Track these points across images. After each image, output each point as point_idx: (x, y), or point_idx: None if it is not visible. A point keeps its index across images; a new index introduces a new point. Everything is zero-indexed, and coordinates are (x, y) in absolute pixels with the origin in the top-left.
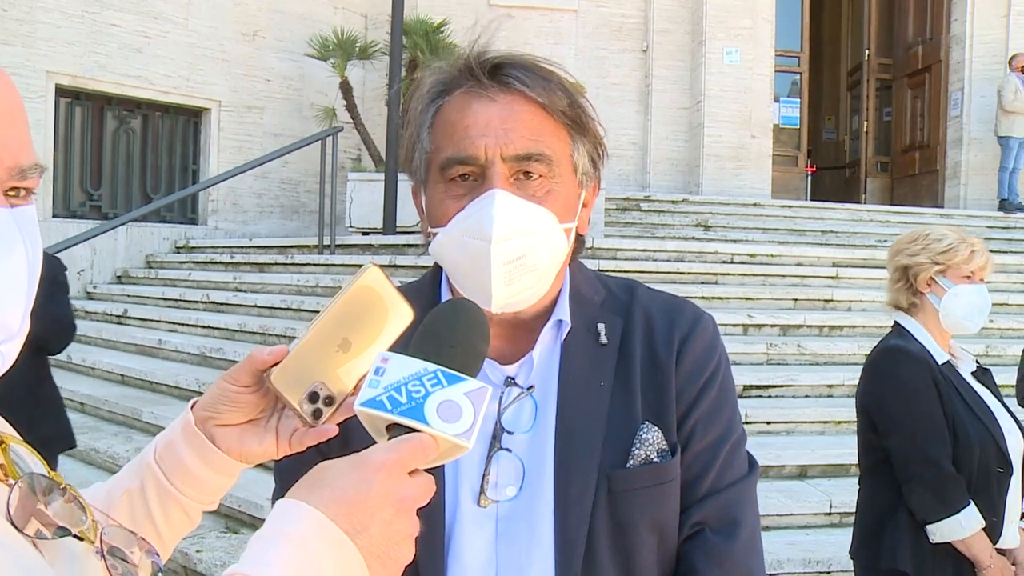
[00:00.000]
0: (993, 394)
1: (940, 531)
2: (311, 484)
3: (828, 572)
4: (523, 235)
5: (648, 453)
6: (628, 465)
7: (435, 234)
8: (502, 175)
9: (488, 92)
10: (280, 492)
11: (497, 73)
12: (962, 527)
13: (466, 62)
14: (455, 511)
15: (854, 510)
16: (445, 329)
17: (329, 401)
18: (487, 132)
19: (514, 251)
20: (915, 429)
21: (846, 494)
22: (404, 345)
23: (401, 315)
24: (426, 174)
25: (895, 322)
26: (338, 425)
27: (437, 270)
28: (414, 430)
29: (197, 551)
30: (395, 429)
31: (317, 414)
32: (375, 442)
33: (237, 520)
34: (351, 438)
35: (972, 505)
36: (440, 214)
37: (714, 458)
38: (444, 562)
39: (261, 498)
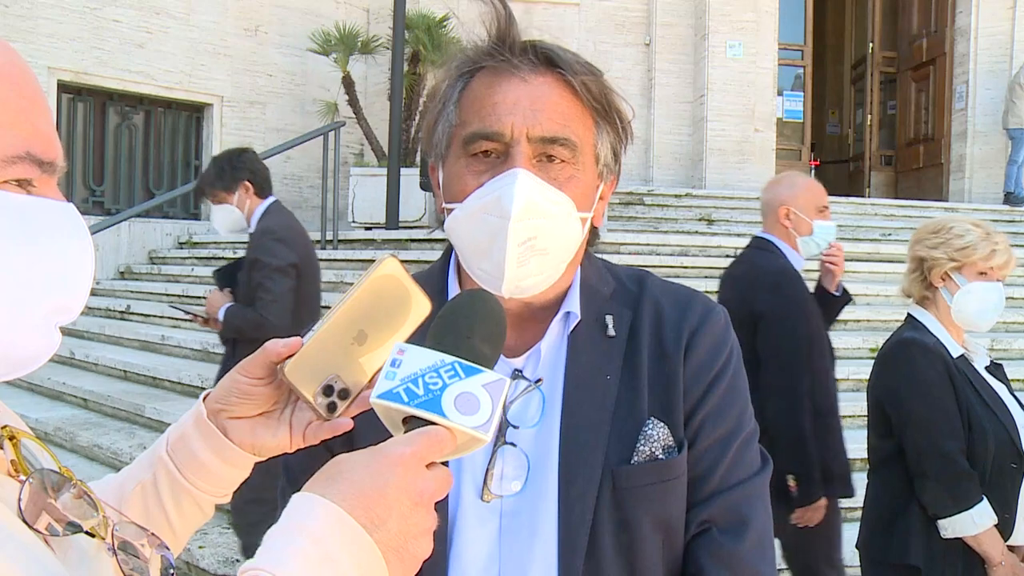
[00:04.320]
0: (1007, 389)
1: (952, 526)
2: (327, 477)
3: None
4: (539, 217)
5: (653, 449)
6: (633, 461)
7: (451, 210)
8: (526, 155)
9: (520, 72)
10: (286, 485)
11: (530, 53)
12: (974, 523)
13: (498, 41)
14: (457, 506)
15: (860, 504)
16: (463, 320)
17: (344, 394)
18: (515, 110)
19: (529, 231)
20: (929, 423)
21: None
22: (420, 337)
23: (419, 306)
24: (447, 148)
25: (908, 314)
26: (352, 419)
27: (446, 259)
28: (431, 422)
29: (200, 547)
30: (412, 422)
31: (332, 407)
32: (381, 439)
33: None
34: (356, 435)
35: (985, 501)
36: (458, 189)
37: (723, 455)
38: (446, 558)
39: None
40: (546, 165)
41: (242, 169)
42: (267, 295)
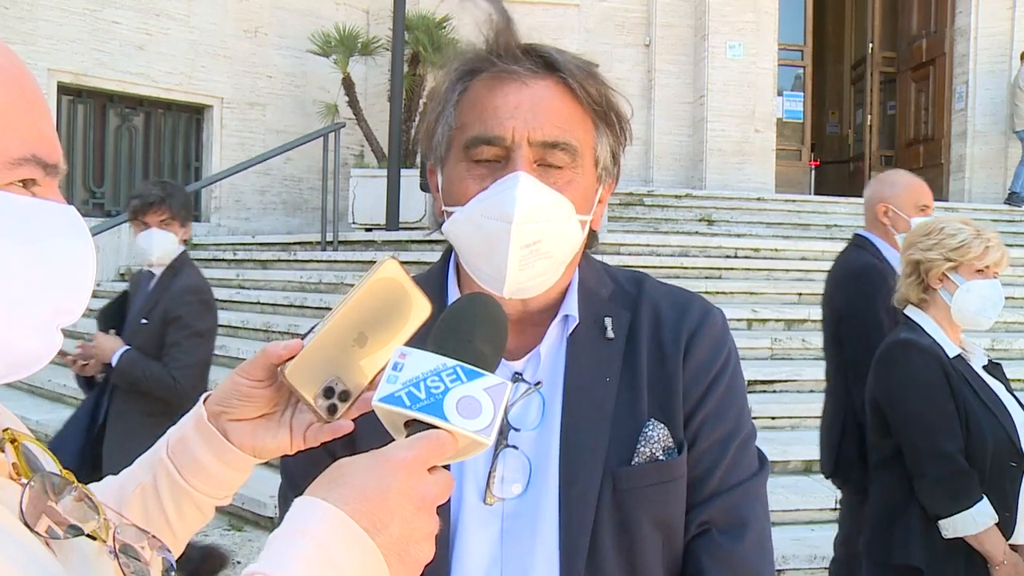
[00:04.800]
0: (1005, 388)
1: (953, 526)
2: (330, 481)
3: None
4: (542, 220)
5: (653, 451)
6: (633, 463)
7: (450, 213)
8: (527, 159)
9: (520, 76)
10: (287, 489)
11: (530, 56)
12: (975, 522)
13: (496, 45)
14: (459, 509)
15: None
16: (464, 324)
17: (345, 396)
18: (516, 114)
19: (532, 235)
20: (927, 423)
21: None
22: (421, 340)
23: (420, 308)
24: (447, 151)
25: (904, 315)
26: (353, 421)
27: (445, 260)
28: (433, 426)
29: None
30: (414, 425)
31: (332, 409)
32: (383, 442)
33: (241, 518)
34: (357, 437)
35: (985, 500)
36: (459, 193)
37: (722, 456)
38: (448, 561)
39: (265, 495)
40: (547, 170)
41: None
42: (186, 358)
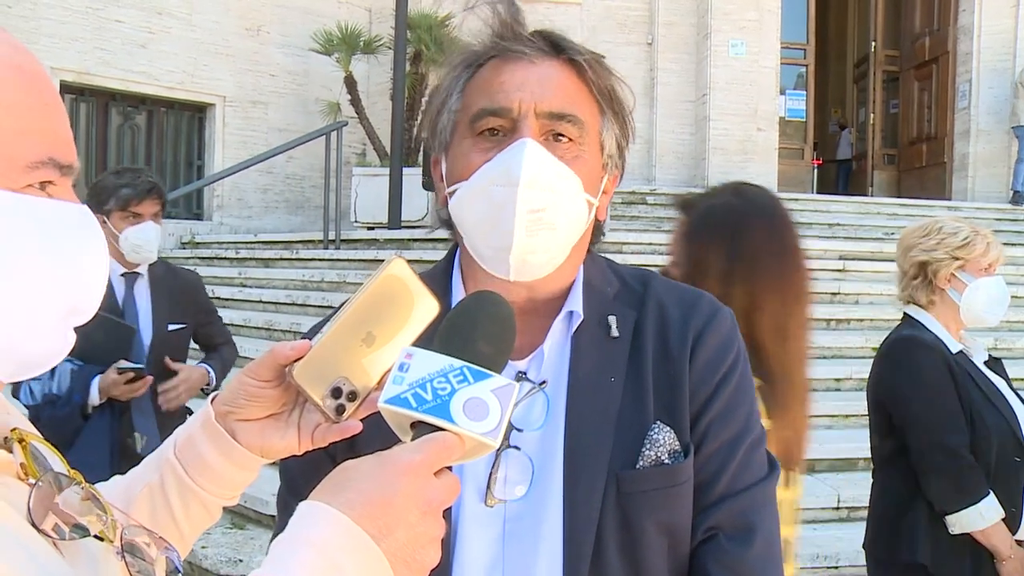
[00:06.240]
0: (1007, 384)
1: (959, 522)
2: (334, 485)
3: (836, 567)
4: (547, 189)
5: (659, 454)
6: (638, 466)
7: (455, 192)
8: (533, 129)
9: (527, 55)
10: (286, 494)
11: (537, 39)
12: (982, 517)
13: (504, 30)
14: (460, 510)
15: (862, 504)
16: (471, 323)
17: (353, 396)
18: (523, 87)
19: (538, 202)
20: (932, 419)
21: (854, 488)
22: (428, 339)
23: (427, 307)
24: (451, 134)
25: (905, 313)
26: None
27: (449, 259)
28: (440, 428)
29: (202, 547)
30: (420, 427)
31: (340, 409)
32: (385, 444)
33: (243, 516)
34: (359, 439)
35: (992, 495)
36: (463, 167)
37: (729, 459)
38: (449, 563)
39: (267, 494)
40: (553, 144)
41: None
42: (226, 334)
